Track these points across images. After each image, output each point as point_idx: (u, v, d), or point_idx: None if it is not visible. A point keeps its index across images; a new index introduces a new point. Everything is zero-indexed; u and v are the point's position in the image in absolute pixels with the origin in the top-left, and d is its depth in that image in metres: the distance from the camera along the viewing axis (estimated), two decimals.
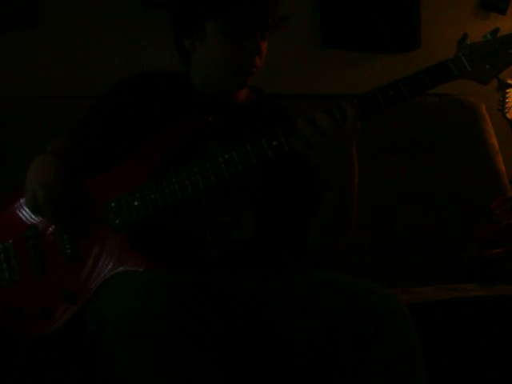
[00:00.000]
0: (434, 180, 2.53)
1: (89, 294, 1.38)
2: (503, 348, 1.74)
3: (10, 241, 1.51)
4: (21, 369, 1.42)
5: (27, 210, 1.51)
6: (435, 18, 2.82)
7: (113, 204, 1.43)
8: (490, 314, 1.74)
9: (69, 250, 1.45)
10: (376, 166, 2.48)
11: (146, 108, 1.57)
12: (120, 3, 2.56)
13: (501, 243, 2.12)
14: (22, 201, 1.52)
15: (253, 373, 1.43)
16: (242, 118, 1.58)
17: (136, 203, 1.42)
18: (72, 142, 1.61)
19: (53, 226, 1.48)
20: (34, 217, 1.50)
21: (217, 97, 1.58)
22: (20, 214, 1.52)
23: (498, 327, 1.74)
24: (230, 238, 1.50)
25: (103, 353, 1.24)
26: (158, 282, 1.27)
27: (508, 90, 2.34)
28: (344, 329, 1.32)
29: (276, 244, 1.58)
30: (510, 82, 2.28)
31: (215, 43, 1.50)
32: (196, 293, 1.31)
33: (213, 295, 1.39)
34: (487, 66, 1.33)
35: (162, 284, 1.27)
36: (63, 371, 1.44)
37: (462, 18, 2.82)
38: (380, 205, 2.45)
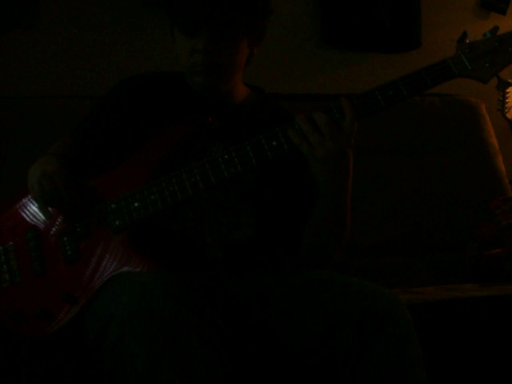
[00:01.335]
0: (434, 180, 2.53)
1: (90, 295, 1.38)
2: (503, 348, 1.73)
3: (11, 242, 1.51)
4: (22, 370, 1.42)
5: (27, 211, 1.51)
6: (435, 18, 2.83)
7: (113, 205, 1.43)
8: (490, 314, 1.74)
9: (69, 252, 1.45)
10: (376, 166, 2.48)
11: (146, 109, 1.57)
12: (120, 3, 2.56)
13: (501, 243, 2.12)
14: (22, 202, 1.52)
15: (253, 371, 1.43)
16: (241, 119, 1.57)
17: (136, 204, 1.41)
18: (73, 143, 1.61)
19: (53, 228, 1.48)
20: (34, 218, 1.51)
21: (216, 97, 1.58)
22: (20, 216, 1.52)
23: (498, 327, 1.73)
24: (229, 239, 1.50)
25: (109, 354, 1.24)
26: (160, 282, 1.28)
27: (508, 90, 2.35)
28: (343, 328, 1.32)
29: (275, 244, 1.58)
30: (510, 80, 2.28)
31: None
32: (197, 292, 1.31)
33: (213, 295, 1.39)
34: (487, 65, 1.33)
35: (165, 283, 1.27)
36: (64, 373, 1.44)
37: (462, 18, 2.82)
38: (380, 205, 2.45)
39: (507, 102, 2.36)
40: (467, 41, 1.34)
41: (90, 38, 2.54)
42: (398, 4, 2.76)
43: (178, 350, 1.19)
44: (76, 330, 1.37)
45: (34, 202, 1.51)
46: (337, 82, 2.73)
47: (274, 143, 1.36)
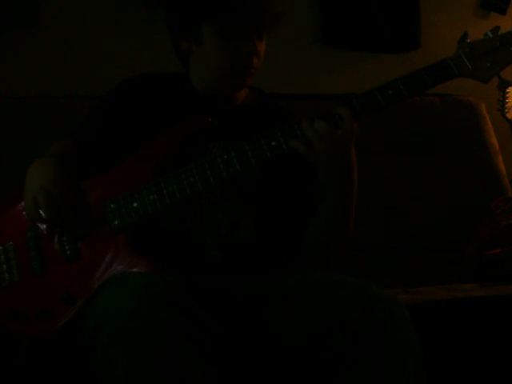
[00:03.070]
0: (434, 180, 2.52)
1: (89, 295, 1.38)
2: (503, 348, 1.73)
3: (11, 242, 1.51)
4: (20, 370, 1.42)
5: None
6: (435, 18, 2.82)
7: (112, 205, 1.43)
8: (490, 314, 1.74)
9: (68, 252, 1.44)
10: (376, 166, 2.48)
11: (145, 110, 1.57)
12: (120, 3, 2.56)
13: (501, 243, 2.12)
14: (22, 202, 1.52)
15: (250, 373, 1.43)
16: (241, 119, 1.57)
17: (135, 204, 1.41)
18: (73, 143, 1.61)
19: (52, 228, 1.48)
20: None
21: (216, 98, 1.58)
22: (20, 216, 1.51)
23: (498, 327, 1.73)
24: (229, 239, 1.50)
25: (101, 354, 1.24)
26: (155, 284, 1.27)
27: (508, 90, 2.34)
28: (341, 329, 1.32)
29: (275, 244, 1.58)
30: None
31: (212, 46, 1.51)
32: (194, 294, 1.31)
33: (211, 296, 1.39)
34: (488, 64, 1.33)
35: (160, 285, 1.27)
36: (63, 372, 1.44)
37: (462, 18, 2.82)
38: (380, 205, 2.45)
39: (507, 102, 2.35)
40: (468, 40, 1.34)
41: (90, 38, 2.54)
42: (397, 4, 2.76)
43: (167, 353, 1.19)
44: (75, 330, 1.37)
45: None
46: (337, 82, 2.72)
47: (273, 143, 1.36)
